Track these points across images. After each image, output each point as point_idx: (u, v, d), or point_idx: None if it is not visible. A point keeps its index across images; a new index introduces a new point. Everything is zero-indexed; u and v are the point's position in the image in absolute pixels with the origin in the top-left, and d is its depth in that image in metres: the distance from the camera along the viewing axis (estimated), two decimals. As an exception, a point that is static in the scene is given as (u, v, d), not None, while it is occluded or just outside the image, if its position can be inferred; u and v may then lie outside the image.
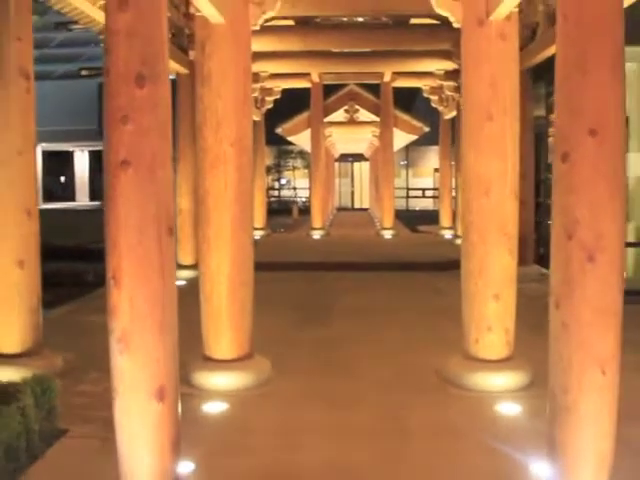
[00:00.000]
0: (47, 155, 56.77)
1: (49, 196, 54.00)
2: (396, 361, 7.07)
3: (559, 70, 3.69)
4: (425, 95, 21.17)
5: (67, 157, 60.65)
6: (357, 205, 45.85)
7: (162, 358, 3.73)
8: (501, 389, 5.94)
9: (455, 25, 6.40)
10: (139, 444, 3.76)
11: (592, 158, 3.53)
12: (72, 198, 58.85)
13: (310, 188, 22.37)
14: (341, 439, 5.06)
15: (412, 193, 45.73)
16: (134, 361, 3.69)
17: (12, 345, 6.41)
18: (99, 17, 8.42)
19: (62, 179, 62.28)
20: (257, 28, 6.44)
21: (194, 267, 9.81)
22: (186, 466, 4.20)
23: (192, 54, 12.09)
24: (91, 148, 58.88)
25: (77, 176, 62.49)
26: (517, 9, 5.93)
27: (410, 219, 29.03)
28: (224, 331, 6.19)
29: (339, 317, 9.37)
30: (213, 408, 5.68)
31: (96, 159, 58.81)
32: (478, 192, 6.01)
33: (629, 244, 10.94)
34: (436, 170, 33.59)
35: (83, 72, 57.09)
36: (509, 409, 5.59)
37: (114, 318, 3.71)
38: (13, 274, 6.33)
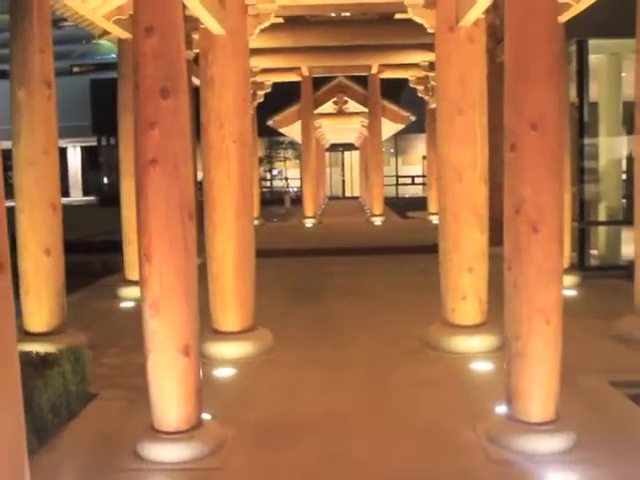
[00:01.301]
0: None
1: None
2: (383, 330, 7.90)
3: (507, 77, 4.50)
4: (411, 85, 21.87)
5: (60, 153, 60.89)
6: (348, 194, 46.55)
7: (186, 321, 4.54)
8: (475, 351, 6.74)
9: (429, 30, 7.19)
10: (168, 393, 4.57)
11: (534, 147, 4.35)
12: (66, 194, 59.12)
13: (302, 178, 23.10)
14: (334, 394, 5.88)
15: (401, 181, 46.39)
16: (163, 323, 4.49)
17: (41, 324, 7.16)
18: (105, 25, 9.13)
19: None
20: (253, 37, 7.21)
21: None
22: (204, 416, 4.98)
23: (189, 54, 12.79)
24: (84, 144, 59.33)
25: (70, 172, 62.94)
26: (484, 15, 6.71)
27: (400, 206, 29.80)
28: (230, 306, 6.99)
29: (332, 296, 10.17)
30: (223, 373, 6.48)
31: (89, 155, 59.25)
32: (451, 178, 6.81)
33: (600, 222, 11.74)
34: (424, 157, 34.28)
35: (75, 69, 57.65)
36: (481, 367, 6.41)
37: (146, 288, 4.50)
38: (41, 261, 7.09)
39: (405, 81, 22.56)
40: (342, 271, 12.53)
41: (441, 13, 6.80)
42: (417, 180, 45.49)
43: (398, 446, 4.77)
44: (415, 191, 43.98)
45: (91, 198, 51.76)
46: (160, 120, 4.38)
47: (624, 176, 12.29)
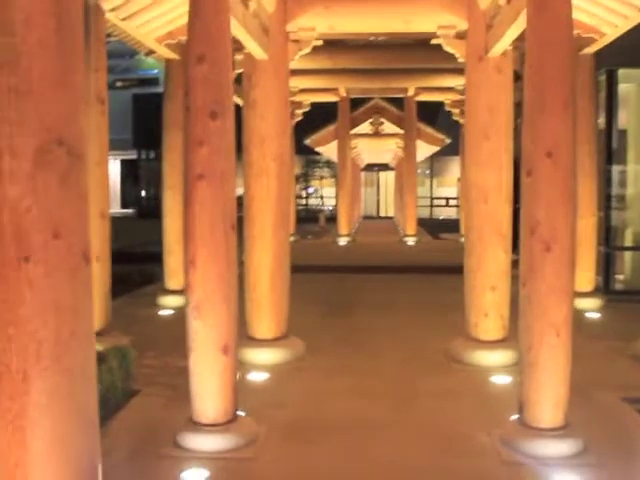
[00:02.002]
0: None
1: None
2: (410, 344, 8.27)
3: (525, 107, 4.90)
4: (447, 108, 22.20)
5: (100, 166, 61.15)
6: (382, 214, 46.84)
7: (226, 322, 4.97)
8: (496, 364, 7.07)
9: (460, 60, 7.60)
10: (208, 388, 4.99)
11: (548, 174, 4.73)
12: (105, 205, 59.48)
13: (337, 197, 23.48)
14: (361, 399, 6.26)
15: (436, 202, 46.64)
16: (205, 324, 4.92)
17: (87, 326, 7.63)
18: (155, 46, 9.65)
19: (94, 187, 62.92)
20: (294, 62, 7.67)
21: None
22: (239, 413, 5.39)
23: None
24: (123, 157, 60.19)
25: (110, 184, 63.71)
26: (512, 47, 7.10)
27: (433, 227, 30.05)
28: (265, 315, 7.42)
29: (363, 310, 10.56)
30: (257, 377, 6.88)
31: (128, 168, 60.10)
32: (478, 200, 7.19)
33: (626, 248, 12.00)
34: (459, 180, 34.46)
35: (118, 83, 58.78)
36: (500, 379, 6.74)
37: (191, 292, 4.94)
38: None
39: (441, 104, 22.91)
40: (374, 288, 12.91)
41: (471, 44, 7.22)
42: (451, 202, 45.58)
43: (418, 447, 5.15)
44: (449, 213, 44.04)
45: (129, 210, 52.51)
46: (208, 139, 4.84)
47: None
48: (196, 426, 5.02)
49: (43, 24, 2.30)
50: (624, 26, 8.09)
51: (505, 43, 6.79)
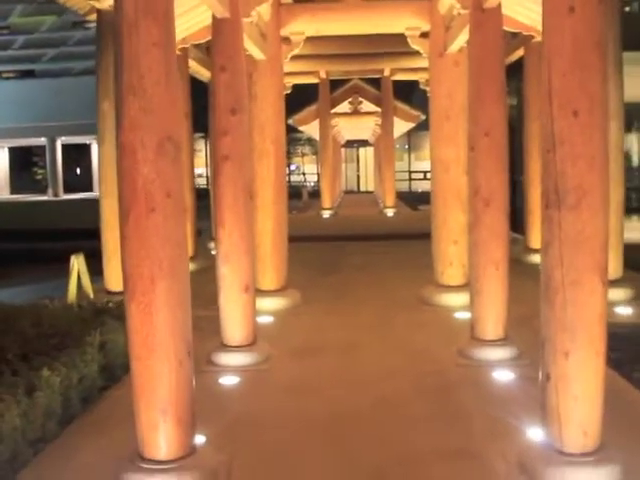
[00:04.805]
0: (65, 148, 58.04)
1: (67, 187, 55.69)
2: (388, 293, 9.91)
3: (469, 97, 6.46)
4: (422, 87, 23.63)
5: (84, 149, 60.52)
6: (363, 188, 48.42)
7: (247, 268, 6.55)
8: (458, 305, 8.64)
9: (424, 55, 9.16)
10: (234, 319, 6.57)
11: (486, 149, 6.32)
12: (89, 189, 58.91)
13: (319, 172, 24.99)
14: (348, 331, 7.91)
15: (414, 176, 48.19)
16: (231, 270, 6.49)
17: (119, 285, 9.13)
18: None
19: (78, 171, 62.84)
20: (287, 60, 9.20)
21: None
22: (255, 342, 6.97)
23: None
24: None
25: (94, 167, 64.31)
26: (466, 44, 8.62)
27: (412, 199, 31.66)
28: (268, 270, 8.99)
29: (347, 270, 12.19)
30: (263, 320, 8.44)
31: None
32: (440, 171, 8.79)
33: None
34: (435, 154, 35.73)
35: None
36: (462, 316, 8.32)
37: (220, 245, 6.50)
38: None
39: (416, 83, 24.35)
40: (356, 252, 14.51)
41: (432, 42, 8.79)
42: (428, 175, 46.66)
43: (392, 358, 6.81)
44: (427, 186, 45.32)
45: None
46: (230, 129, 6.39)
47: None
48: (226, 348, 6.61)
49: (158, 70, 3.83)
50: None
51: (460, 42, 8.31)
